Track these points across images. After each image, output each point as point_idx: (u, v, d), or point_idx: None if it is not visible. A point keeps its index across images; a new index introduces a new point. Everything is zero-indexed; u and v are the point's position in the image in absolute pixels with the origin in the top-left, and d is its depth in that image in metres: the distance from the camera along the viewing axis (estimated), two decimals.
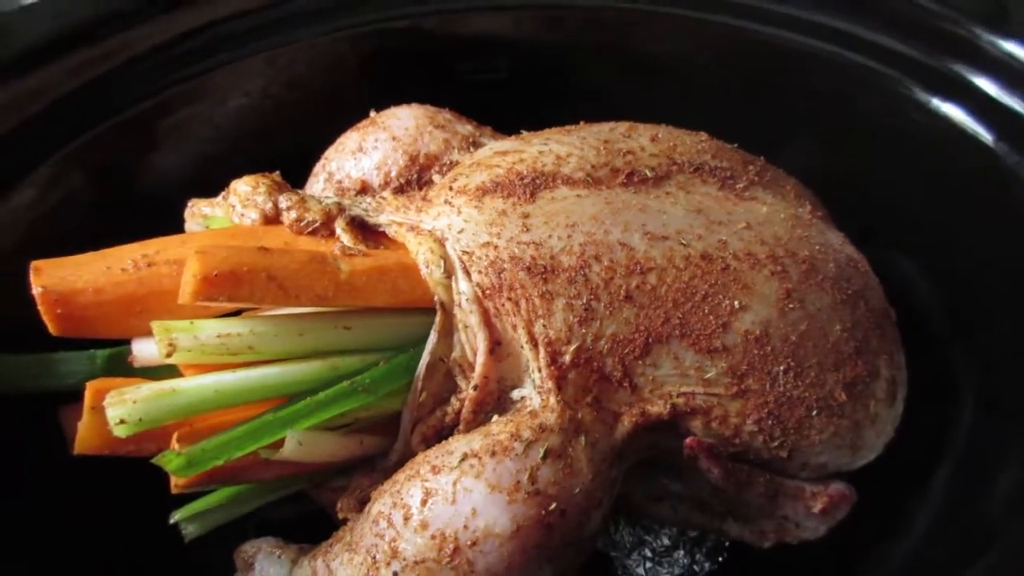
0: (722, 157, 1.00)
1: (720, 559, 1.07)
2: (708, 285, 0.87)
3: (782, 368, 0.88)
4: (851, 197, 1.20)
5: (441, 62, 1.34)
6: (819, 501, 0.94)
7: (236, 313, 0.86)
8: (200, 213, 0.98)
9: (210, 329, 0.76)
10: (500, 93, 1.37)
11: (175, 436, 0.78)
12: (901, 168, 1.19)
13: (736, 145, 1.08)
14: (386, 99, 1.15)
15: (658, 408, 0.85)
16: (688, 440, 0.88)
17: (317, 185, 1.09)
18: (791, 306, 0.89)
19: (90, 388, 0.78)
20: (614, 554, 1.09)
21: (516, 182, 0.89)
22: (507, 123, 1.12)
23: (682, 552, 1.09)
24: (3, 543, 0.87)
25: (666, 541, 1.10)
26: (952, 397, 1.09)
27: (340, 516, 0.86)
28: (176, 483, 0.81)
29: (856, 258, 0.98)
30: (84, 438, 0.79)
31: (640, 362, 0.85)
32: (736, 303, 0.87)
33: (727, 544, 1.06)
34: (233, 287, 0.73)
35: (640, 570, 1.07)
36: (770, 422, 0.88)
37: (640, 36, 1.33)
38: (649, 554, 1.09)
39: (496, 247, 0.84)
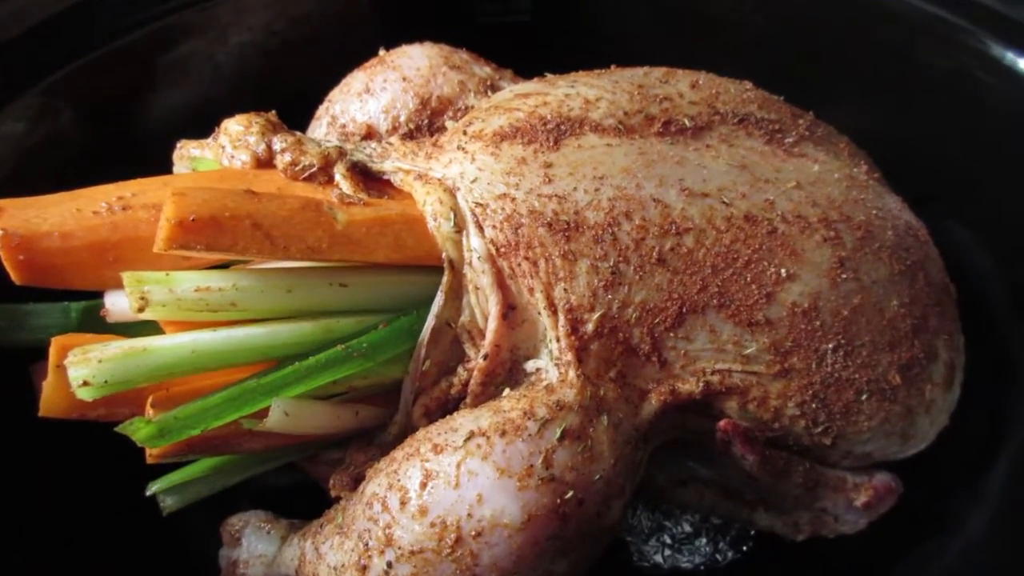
0: (769, 108, 0.89)
1: (744, 548, 0.99)
2: (751, 250, 0.77)
3: (831, 346, 0.78)
4: (907, 160, 1.09)
5: (459, 3, 1.23)
6: (863, 493, 0.85)
7: (224, 267, 0.77)
8: (189, 155, 0.89)
9: (188, 282, 0.67)
10: (522, 37, 1.26)
11: (149, 401, 0.70)
12: (965, 130, 1.07)
13: (783, 98, 0.97)
14: (399, 39, 1.05)
15: (690, 386, 0.76)
16: (722, 423, 0.78)
17: (320, 129, 1.00)
18: (844, 276, 0.79)
19: (55, 344, 0.70)
20: (630, 539, 1.01)
21: (538, 127, 0.79)
22: (529, 69, 1.01)
23: (704, 540, 1.00)
24: None
25: (687, 528, 1.01)
26: (1011, 383, 0.99)
27: (333, 494, 0.78)
28: (152, 452, 0.73)
29: (916, 226, 0.88)
30: (49, 399, 0.71)
31: (671, 334, 0.75)
32: (783, 271, 0.77)
33: (753, 533, 0.98)
34: (213, 234, 0.64)
35: (658, 557, 0.99)
36: (814, 405, 0.79)
37: None
38: (668, 540, 1.01)
39: (514, 199, 0.75)
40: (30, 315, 0.81)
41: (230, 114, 0.89)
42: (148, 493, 0.78)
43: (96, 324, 0.80)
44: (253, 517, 0.89)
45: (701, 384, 0.76)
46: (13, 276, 0.72)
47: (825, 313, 0.78)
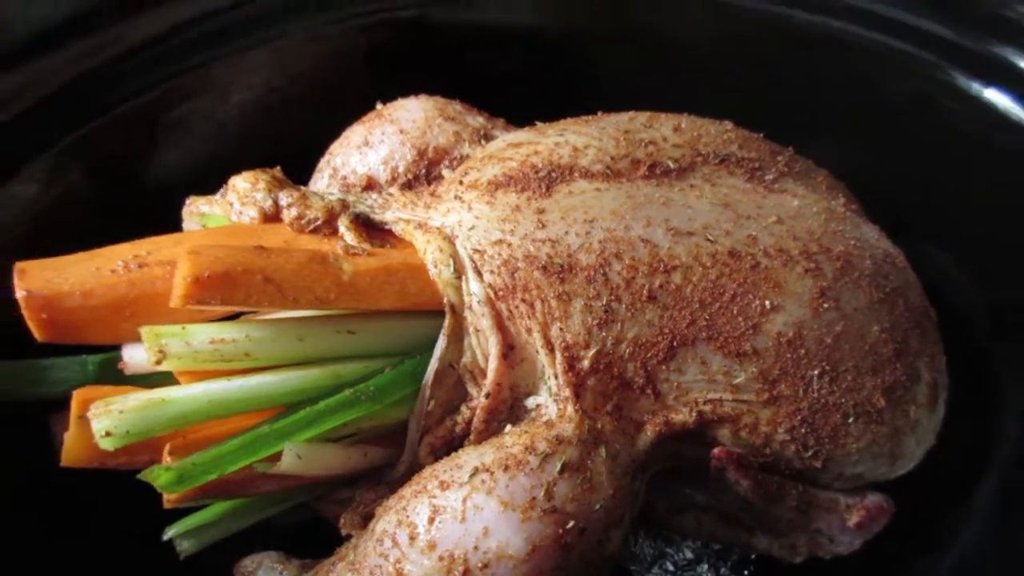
0: (749, 147, 0.94)
1: (745, 573, 1.01)
2: (737, 284, 0.81)
3: (816, 372, 0.82)
4: (884, 189, 1.13)
5: (450, 53, 1.29)
6: (855, 514, 0.88)
7: (233, 317, 0.81)
8: (198, 211, 0.93)
9: (203, 335, 0.71)
10: (513, 85, 1.31)
11: (166, 448, 0.73)
12: (938, 158, 1.12)
13: (762, 135, 1.02)
14: (394, 92, 1.10)
15: (683, 416, 0.80)
16: (715, 451, 0.82)
17: (321, 181, 1.04)
18: (826, 306, 0.82)
19: (76, 397, 0.74)
20: (633, 568, 1.03)
21: (530, 175, 0.83)
22: (521, 116, 1.06)
23: (706, 566, 1.03)
24: None
25: (689, 554, 1.04)
26: (995, 403, 1.03)
27: (343, 532, 0.81)
28: (168, 498, 0.76)
29: (893, 253, 0.92)
30: (71, 449, 0.74)
31: (664, 367, 0.79)
32: (767, 303, 0.81)
33: (753, 557, 1.00)
34: (227, 289, 0.68)
35: None
36: (803, 430, 0.82)
37: (661, 21, 1.26)
38: (671, 568, 1.03)
39: (509, 245, 0.79)
40: (50, 369, 0.85)
41: (235, 170, 0.93)
42: (165, 537, 0.80)
43: (112, 376, 0.84)
44: (266, 558, 0.91)
45: (694, 414, 0.80)
46: (36, 334, 0.76)
47: (809, 341, 0.81)
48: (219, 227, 0.84)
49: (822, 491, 0.89)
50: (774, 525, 0.90)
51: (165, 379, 0.78)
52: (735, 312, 0.80)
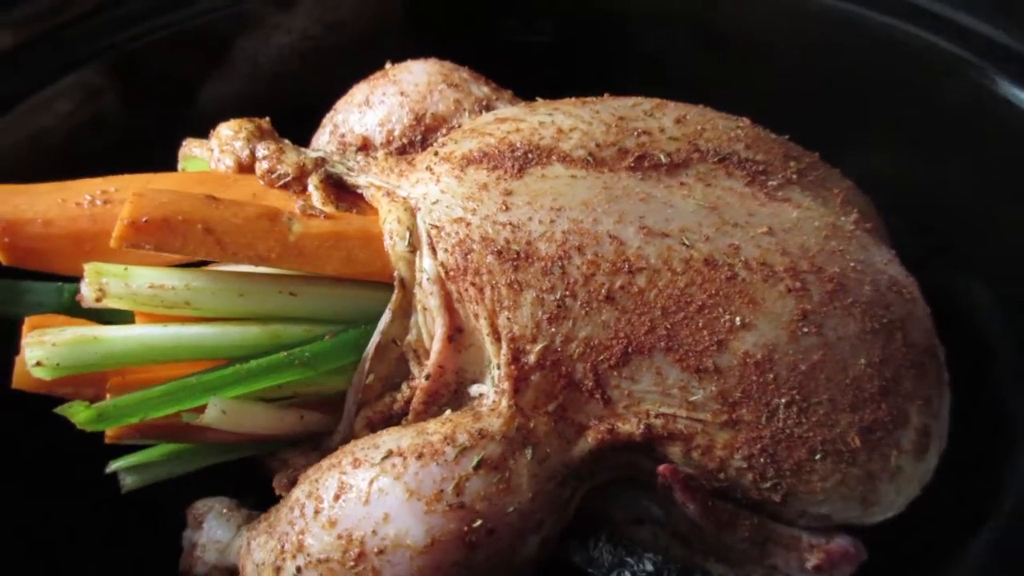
0: (758, 148, 0.87)
1: None
2: (707, 295, 0.75)
3: (784, 400, 0.75)
4: (922, 208, 1.04)
5: (484, 18, 1.25)
6: (815, 555, 0.82)
7: (201, 265, 0.81)
8: (190, 155, 0.94)
9: (143, 278, 0.71)
10: (544, 58, 1.26)
11: (107, 386, 0.74)
12: (986, 178, 1.01)
13: (787, 137, 0.94)
14: (424, 52, 1.07)
15: (630, 427, 0.75)
16: (661, 467, 0.77)
17: (322, 137, 1.03)
18: (805, 330, 0.76)
19: (28, 323, 0.75)
20: (591, 571, 1.00)
21: (506, 153, 0.79)
22: (547, 93, 1.01)
23: None
24: None
25: (649, 567, 0.99)
26: (1009, 450, 0.93)
27: (277, 492, 0.81)
28: (109, 434, 0.77)
29: (902, 281, 0.84)
30: (20, 373, 0.76)
31: (616, 373, 0.75)
32: (738, 319, 0.75)
33: None
34: (163, 235, 0.67)
35: None
36: (763, 460, 0.76)
37: (704, 6, 1.19)
38: None
39: (468, 224, 0.75)
40: (27, 292, 0.87)
41: (257, 113, 0.93)
42: (108, 470, 0.82)
43: (81, 307, 0.85)
44: (217, 503, 0.92)
45: (642, 426, 0.75)
46: (0, 257, 0.78)
47: (780, 366, 0.75)
48: (191, 172, 0.84)
49: (784, 526, 0.83)
50: (726, 554, 0.85)
51: (125, 317, 0.79)
52: (700, 324, 0.74)
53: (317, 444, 0.81)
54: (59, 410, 0.69)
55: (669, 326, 0.74)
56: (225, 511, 0.91)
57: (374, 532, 0.66)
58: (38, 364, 0.68)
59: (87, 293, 0.70)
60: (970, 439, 0.84)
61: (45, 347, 0.69)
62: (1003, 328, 1.00)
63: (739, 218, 0.80)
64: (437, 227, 0.76)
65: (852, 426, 0.76)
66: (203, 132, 0.96)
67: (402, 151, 0.96)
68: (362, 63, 1.06)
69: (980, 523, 0.92)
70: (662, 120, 0.86)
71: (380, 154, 0.90)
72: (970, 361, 0.85)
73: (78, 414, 0.68)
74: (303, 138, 1.01)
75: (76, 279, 0.87)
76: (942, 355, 0.85)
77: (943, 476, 0.83)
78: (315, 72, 1.27)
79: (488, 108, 0.97)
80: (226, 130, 0.87)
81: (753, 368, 0.75)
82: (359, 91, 1.01)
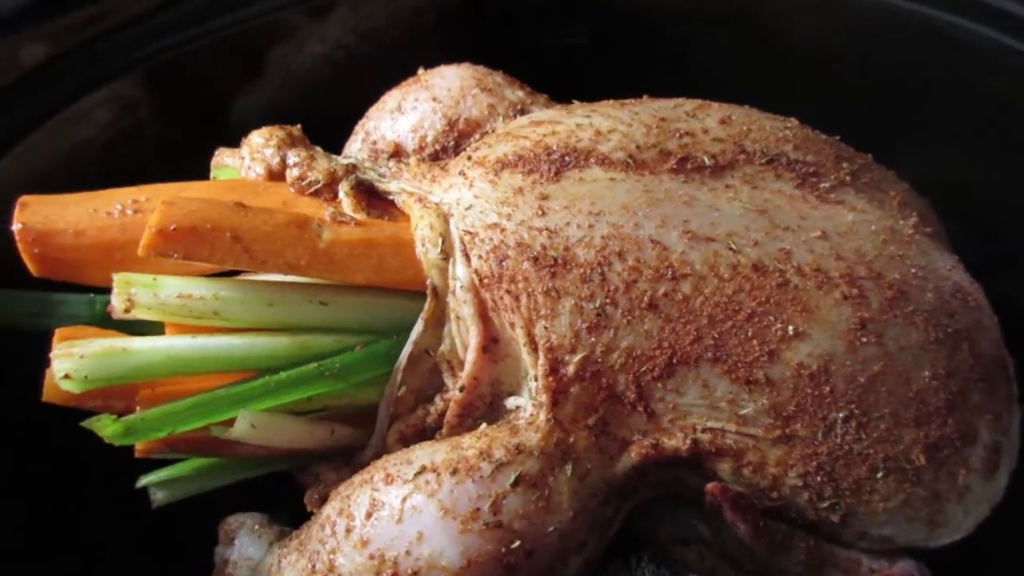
0: (808, 149, 0.82)
1: None
2: (757, 302, 0.71)
3: (842, 415, 0.71)
4: (984, 213, 0.98)
5: (517, 23, 1.22)
6: None
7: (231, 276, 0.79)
8: (222, 163, 0.92)
9: (172, 288, 0.69)
10: (588, 63, 1.23)
11: (137, 398, 0.73)
12: None
13: (838, 138, 0.89)
14: (458, 59, 1.05)
15: (676, 442, 0.71)
16: (710, 486, 0.73)
17: (354, 145, 1.01)
18: (864, 340, 0.71)
19: (58, 335, 0.74)
20: None
21: (542, 157, 0.76)
22: (577, 96, 0.98)
23: None
24: None
25: None
26: None
27: (308, 508, 0.78)
28: (139, 447, 0.75)
29: (967, 289, 0.79)
30: (51, 386, 0.74)
31: (660, 384, 0.71)
32: (790, 328, 0.71)
33: None
34: (191, 244, 0.66)
35: None
36: (819, 478, 0.72)
37: (754, 6, 1.15)
38: None
39: (503, 230, 0.72)
40: (60, 304, 0.86)
41: (290, 122, 0.91)
42: (138, 485, 0.80)
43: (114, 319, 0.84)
44: (249, 519, 0.90)
45: (689, 441, 0.71)
46: (30, 268, 0.77)
47: (837, 378, 0.70)
48: (222, 180, 0.83)
49: (842, 549, 0.78)
50: None
51: (157, 330, 0.77)
52: (750, 334, 0.70)
53: (349, 459, 0.79)
54: (86, 423, 0.68)
55: (716, 335, 0.70)
56: (257, 527, 0.89)
57: (407, 552, 0.62)
58: (66, 377, 0.67)
59: (116, 304, 0.69)
60: None
61: (73, 359, 0.67)
62: None
63: (790, 222, 0.75)
64: (471, 233, 0.73)
65: (916, 443, 0.71)
66: (237, 142, 0.94)
67: (435, 157, 0.93)
68: (395, 72, 1.05)
69: None
70: (705, 121, 0.82)
71: (412, 160, 0.87)
72: None
73: (106, 427, 0.67)
74: (336, 148, 0.99)
75: (108, 291, 0.86)
76: (1011, 367, 0.79)
77: (1014, 496, 0.77)
78: (348, 81, 1.26)
79: (523, 112, 0.94)
80: (257, 138, 0.86)
81: (808, 380, 0.70)
82: (391, 97, 0.99)
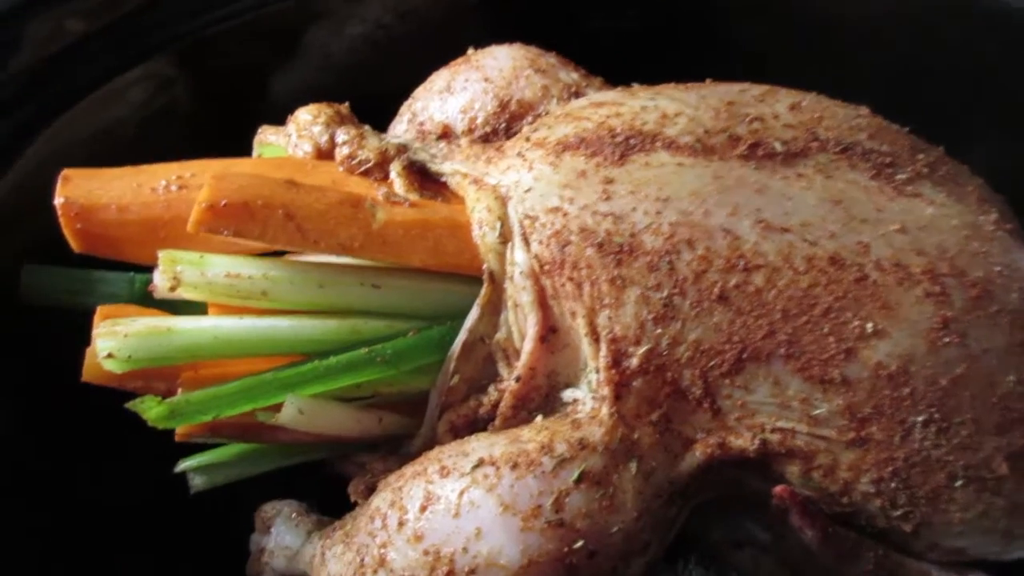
0: (882, 139, 0.78)
1: None
2: (833, 297, 0.67)
3: (921, 419, 0.67)
4: None
5: (565, 3, 1.19)
6: None
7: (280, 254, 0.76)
8: (266, 141, 0.89)
9: (219, 266, 0.66)
10: (636, 48, 1.19)
11: (179, 380, 0.70)
12: None
13: (908, 130, 0.85)
14: (501, 41, 1.01)
15: (743, 442, 0.67)
16: (778, 488, 0.69)
17: (400, 126, 0.97)
18: (947, 340, 0.67)
19: (100, 313, 0.71)
20: None
21: (606, 139, 0.72)
22: (629, 80, 0.94)
23: None
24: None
25: None
26: None
27: (352, 499, 0.75)
28: (179, 432, 0.73)
29: None
30: (91, 366, 0.72)
31: (727, 381, 0.67)
32: (869, 326, 0.67)
33: None
34: (242, 220, 0.63)
35: None
36: (894, 485, 0.68)
37: None
38: None
39: (566, 214, 0.69)
40: (99, 282, 0.83)
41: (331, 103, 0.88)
42: (177, 470, 0.78)
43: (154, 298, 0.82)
44: (286, 507, 0.87)
45: (757, 441, 0.67)
46: (72, 243, 0.74)
47: (918, 380, 0.66)
48: (267, 158, 0.80)
49: (912, 560, 0.74)
50: None
51: (197, 310, 0.74)
52: (826, 330, 0.66)
53: (395, 448, 0.76)
54: (130, 405, 0.65)
55: (790, 331, 0.66)
56: (294, 515, 0.86)
57: (465, 549, 0.59)
58: (109, 356, 0.64)
59: (161, 282, 0.66)
60: None
61: (117, 338, 0.64)
62: None
63: (867, 214, 0.71)
64: (531, 217, 0.70)
65: (999, 451, 0.67)
66: (275, 123, 0.92)
67: (485, 140, 0.90)
68: (437, 53, 1.01)
69: None
70: (775, 107, 0.78)
71: (463, 141, 0.84)
72: None
73: (150, 410, 0.64)
74: (378, 130, 0.96)
75: (147, 269, 0.83)
76: None
77: None
78: (388, 63, 1.23)
79: (577, 95, 0.90)
80: (304, 115, 0.83)
81: (886, 381, 0.66)
82: (439, 77, 0.96)
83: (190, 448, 0.79)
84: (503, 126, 0.89)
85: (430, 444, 0.73)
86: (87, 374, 0.74)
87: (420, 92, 0.98)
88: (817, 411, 0.67)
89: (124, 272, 0.84)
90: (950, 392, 0.67)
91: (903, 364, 0.66)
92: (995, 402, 0.67)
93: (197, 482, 0.79)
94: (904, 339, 0.67)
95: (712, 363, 0.67)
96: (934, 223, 0.73)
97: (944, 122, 0.89)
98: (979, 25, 1.03)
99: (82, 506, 0.85)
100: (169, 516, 0.88)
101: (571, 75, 0.92)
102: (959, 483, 0.67)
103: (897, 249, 0.70)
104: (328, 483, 0.87)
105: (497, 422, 0.71)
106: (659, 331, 0.66)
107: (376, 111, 1.00)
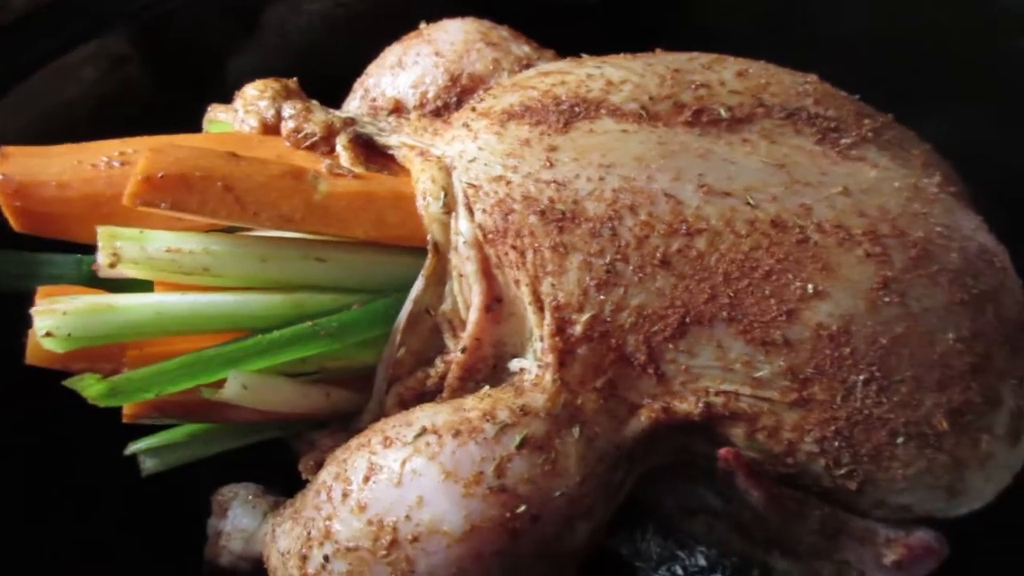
0: (828, 104, 0.79)
1: None
2: (775, 260, 0.67)
3: (862, 378, 0.68)
4: (1009, 179, 0.95)
5: None
6: (894, 550, 0.74)
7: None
8: (215, 118, 0.88)
9: (160, 241, 0.65)
10: (598, 23, 1.19)
11: (124, 359, 0.69)
12: None
13: (857, 97, 0.85)
14: (461, 16, 1.00)
15: (688, 406, 0.68)
16: (723, 451, 0.70)
17: (353, 103, 0.97)
18: (887, 300, 0.68)
19: (40, 292, 0.71)
20: (639, 564, 0.93)
21: (550, 107, 0.72)
22: (588, 53, 0.94)
23: None
24: None
25: (702, 561, 0.92)
26: None
27: (303, 476, 0.75)
28: (126, 413, 0.72)
29: (992, 249, 0.75)
30: (35, 347, 0.71)
31: (671, 345, 0.67)
32: (810, 287, 0.67)
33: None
34: (180, 192, 0.62)
35: None
36: (837, 444, 0.69)
37: None
38: (680, 572, 0.92)
39: (509, 182, 0.69)
40: (45, 264, 0.82)
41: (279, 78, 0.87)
42: (127, 452, 0.77)
43: (103, 280, 0.81)
44: (243, 490, 0.87)
45: (701, 405, 0.68)
46: (12, 223, 0.73)
47: (858, 339, 0.67)
48: (212, 133, 0.79)
49: (858, 518, 0.75)
50: (793, 546, 0.77)
51: (144, 290, 0.73)
52: (768, 293, 0.67)
53: (346, 424, 0.75)
54: (69, 382, 0.65)
55: (732, 294, 0.67)
56: (251, 498, 0.86)
57: (407, 517, 0.59)
58: (48, 335, 0.64)
59: (101, 259, 0.65)
60: None
61: (56, 316, 0.64)
62: None
63: (810, 177, 0.72)
64: (474, 186, 0.69)
65: (939, 407, 0.68)
66: (230, 102, 0.91)
67: (436, 114, 0.89)
68: (395, 32, 1.00)
69: None
70: (722, 73, 0.78)
71: (413, 115, 0.84)
72: None
73: (90, 387, 0.63)
74: (334, 108, 0.96)
75: (94, 249, 0.82)
76: None
77: None
78: (346, 42, 1.21)
79: (529, 68, 0.90)
80: (251, 90, 0.82)
81: (827, 341, 0.67)
82: (391, 53, 0.95)
83: (143, 431, 0.78)
84: (454, 100, 0.89)
85: (379, 418, 0.73)
86: (31, 356, 0.73)
87: (372, 68, 0.97)
88: (760, 373, 0.67)
89: (72, 255, 0.83)
90: (890, 351, 0.67)
91: (844, 324, 0.67)
92: (935, 359, 0.68)
93: (148, 464, 0.79)
94: (845, 299, 0.67)
95: (655, 328, 0.67)
96: (877, 186, 0.73)
97: (898, 95, 0.89)
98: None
99: (31, 493, 0.85)
100: (123, 501, 0.88)
101: (523, 48, 0.92)
102: (901, 440, 0.68)
103: (839, 211, 0.70)
104: (291, 466, 0.87)
105: (445, 394, 0.71)
106: (602, 297, 0.67)
107: (334, 90, 0.99)
